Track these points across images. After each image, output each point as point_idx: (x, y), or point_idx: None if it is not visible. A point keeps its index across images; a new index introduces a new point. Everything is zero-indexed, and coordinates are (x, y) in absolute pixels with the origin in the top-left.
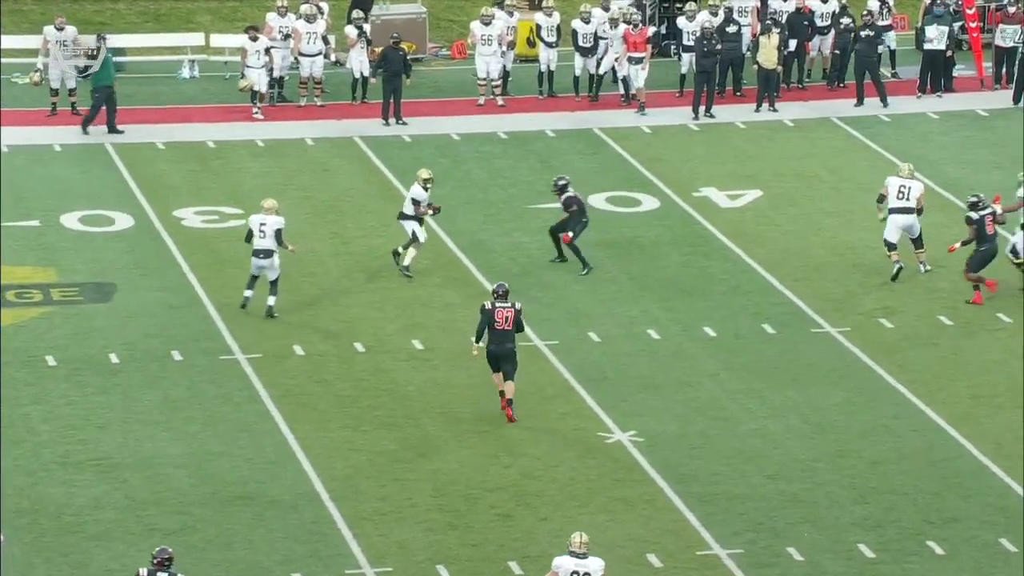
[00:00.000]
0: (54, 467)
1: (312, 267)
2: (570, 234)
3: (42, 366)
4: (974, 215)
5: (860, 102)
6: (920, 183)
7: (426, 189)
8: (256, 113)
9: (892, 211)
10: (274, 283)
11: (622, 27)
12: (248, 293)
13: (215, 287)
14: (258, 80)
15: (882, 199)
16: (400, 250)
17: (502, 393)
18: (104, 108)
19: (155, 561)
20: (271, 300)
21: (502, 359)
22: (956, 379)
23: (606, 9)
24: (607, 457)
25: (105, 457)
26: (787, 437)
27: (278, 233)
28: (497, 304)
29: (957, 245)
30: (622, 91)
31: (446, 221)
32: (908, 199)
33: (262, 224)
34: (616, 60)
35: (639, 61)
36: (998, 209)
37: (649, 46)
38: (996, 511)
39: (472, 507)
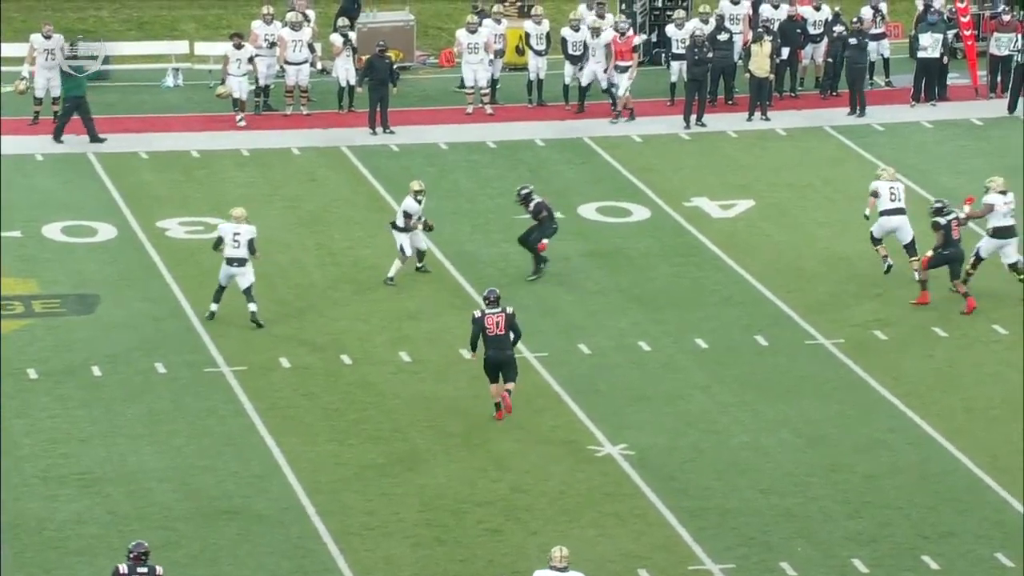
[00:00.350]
0: (35, 482)
1: (298, 278)
2: (545, 242)
3: (23, 379)
4: (941, 220)
5: (853, 111)
6: (901, 183)
7: (419, 201)
8: (240, 121)
9: (885, 213)
10: (248, 291)
11: (605, 35)
12: (214, 307)
13: (199, 298)
14: (237, 88)
15: (876, 195)
16: (419, 264)
17: (497, 405)
18: (79, 119)
19: (131, 556)
20: (252, 307)
21: (502, 366)
22: (951, 392)
23: (601, 16)
24: (597, 471)
25: (87, 471)
26: (780, 450)
27: (251, 242)
28: (488, 311)
29: (929, 253)
30: (611, 102)
31: (434, 231)
32: (899, 200)
33: (235, 234)
34: (604, 70)
35: (625, 69)
36: (961, 213)
37: (636, 55)
38: (992, 526)
39: (460, 522)
